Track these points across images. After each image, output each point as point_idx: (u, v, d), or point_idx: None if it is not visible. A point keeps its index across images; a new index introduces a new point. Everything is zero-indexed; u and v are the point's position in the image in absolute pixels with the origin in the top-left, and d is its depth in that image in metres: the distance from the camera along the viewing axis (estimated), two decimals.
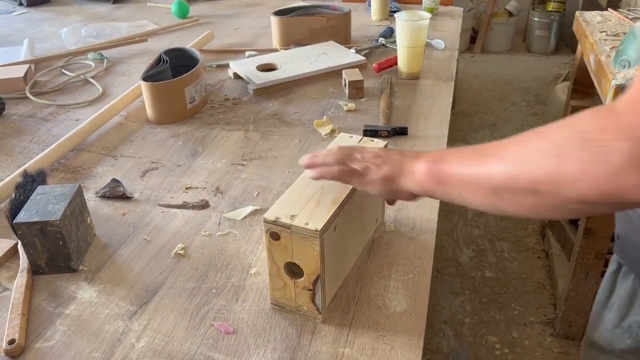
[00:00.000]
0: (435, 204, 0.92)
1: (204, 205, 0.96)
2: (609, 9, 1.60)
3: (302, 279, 0.69)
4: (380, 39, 1.65)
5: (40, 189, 0.85)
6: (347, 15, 1.65)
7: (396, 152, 0.67)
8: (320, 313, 0.71)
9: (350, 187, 0.72)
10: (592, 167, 0.45)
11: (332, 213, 0.67)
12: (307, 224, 0.65)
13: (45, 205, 0.80)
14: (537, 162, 0.48)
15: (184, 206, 0.96)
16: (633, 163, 0.43)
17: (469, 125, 3.02)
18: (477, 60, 3.92)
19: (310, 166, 0.71)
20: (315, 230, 0.64)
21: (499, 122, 3.05)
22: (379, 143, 0.81)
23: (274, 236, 0.67)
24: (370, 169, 0.66)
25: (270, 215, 0.67)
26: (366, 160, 0.67)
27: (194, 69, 1.26)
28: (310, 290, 0.69)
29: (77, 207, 0.84)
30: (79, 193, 0.85)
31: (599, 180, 0.45)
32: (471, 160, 0.56)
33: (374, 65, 1.45)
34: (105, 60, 1.60)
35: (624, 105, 0.45)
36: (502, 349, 1.66)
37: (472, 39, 4.07)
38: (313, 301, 0.70)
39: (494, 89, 3.46)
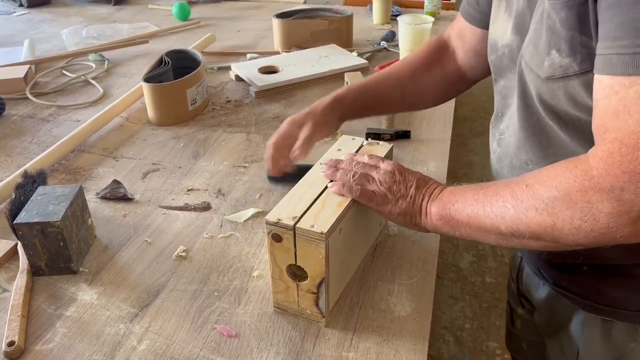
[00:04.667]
0: None
1: (205, 207, 0.95)
2: None
3: (305, 281, 0.68)
4: (382, 42, 1.65)
5: (41, 189, 0.84)
6: (348, 19, 1.65)
7: (411, 180, 0.69)
8: (323, 317, 0.70)
9: None
10: (584, 225, 0.51)
11: (338, 215, 0.66)
12: (312, 226, 0.64)
13: (46, 205, 0.79)
14: (534, 219, 0.55)
15: (185, 208, 0.95)
16: (619, 220, 0.49)
17: (469, 131, 3.01)
18: None
19: (330, 178, 0.73)
20: (321, 233, 0.63)
21: None
22: (384, 146, 0.81)
23: (276, 238, 0.66)
24: (388, 200, 0.69)
25: (272, 216, 0.66)
26: (384, 185, 0.69)
27: (195, 71, 1.25)
28: (314, 293, 0.68)
29: (78, 208, 0.83)
30: (80, 194, 0.84)
31: (592, 235, 0.51)
32: (478, 210, 0.60)
33: (376, 68, 1.45)
34: (106, 61, 1.59)
35: (599, 166, 0.50)
36: (503, 354, 1.65)
37: None
38: (317, 304, 0.69)
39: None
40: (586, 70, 0.54)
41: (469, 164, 2.70)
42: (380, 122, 1.20)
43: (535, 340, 0.85)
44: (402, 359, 0.66)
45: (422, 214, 0.67)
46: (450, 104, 1.30)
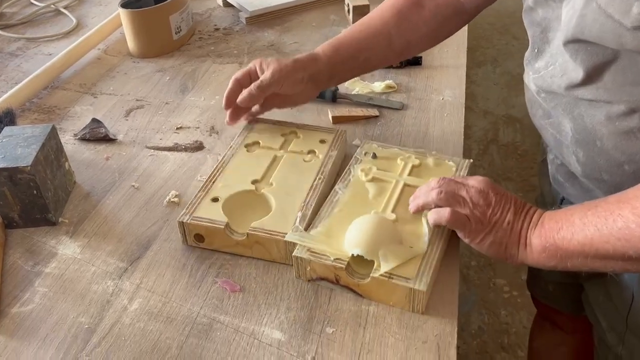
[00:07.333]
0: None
1: (197, 146, 0.85)
2: None
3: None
4: None
5: (7, 130, 0.73)
6: None
7: (508, 202, 0.58)
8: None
9: None
10: None
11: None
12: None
13: (14, 149, 0.69)
14: None
15: (175, 148, 0.85)
16: None
17: (471, 61, 2.87)
18: None
19: (417, 210, 0.63)
20: None
21: (501, 57, 2.92)
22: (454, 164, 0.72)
23: (199, 238, 0.66)
24: (483, 228, 0.58)
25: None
26: (478, 209, 0.58)
27: None
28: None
29: (51, 150, 0.72)
30: (54, 134, 0.74)
31: None
32: (593, 235, 0.51)
33: None
34: None
35: None
36: (511, 291, 1.62)
37: None
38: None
39: (495, 22, 3.30)
40: None
41: (471, 95, 2.59)
42: None
43: (566, 283, 0.77)
44: (430, 310, 0.59)
45: (520, 245, 0.57)
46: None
